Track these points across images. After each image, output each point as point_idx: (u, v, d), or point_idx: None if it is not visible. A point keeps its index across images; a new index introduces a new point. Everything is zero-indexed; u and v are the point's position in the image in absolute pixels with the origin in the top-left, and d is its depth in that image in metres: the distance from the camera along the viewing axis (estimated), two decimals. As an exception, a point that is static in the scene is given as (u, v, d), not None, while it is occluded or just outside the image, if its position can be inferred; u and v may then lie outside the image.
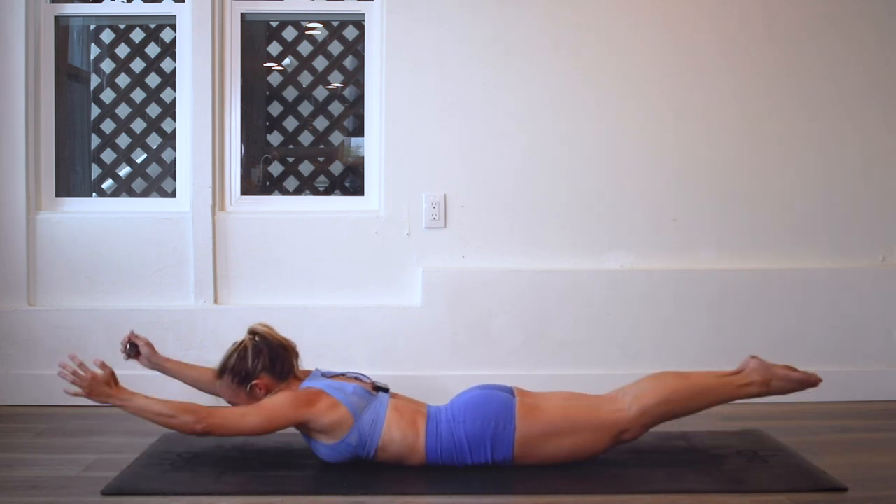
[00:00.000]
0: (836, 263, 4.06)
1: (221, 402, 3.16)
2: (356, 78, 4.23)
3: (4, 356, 3.90)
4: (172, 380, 3.34)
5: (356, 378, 3.09)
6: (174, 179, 4.09)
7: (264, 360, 3.02)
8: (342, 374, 3.10)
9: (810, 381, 3.09)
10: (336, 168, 4.30)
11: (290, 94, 4.26)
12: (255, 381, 3.01)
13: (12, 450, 3.28)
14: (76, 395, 2.95)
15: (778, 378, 3.07)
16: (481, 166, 4.00)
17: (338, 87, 4.29)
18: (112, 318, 3.91)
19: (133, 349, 3.29)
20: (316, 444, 2.98)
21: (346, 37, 4.23)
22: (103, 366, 2.98)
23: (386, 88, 3.97)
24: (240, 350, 3.04)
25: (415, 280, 3.99)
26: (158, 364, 3.29)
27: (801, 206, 4.06)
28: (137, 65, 4.19)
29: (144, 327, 3.87)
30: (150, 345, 3.30)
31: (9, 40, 3.90)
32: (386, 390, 3.07)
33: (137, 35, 4.20)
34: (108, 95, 4.22)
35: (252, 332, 3.08)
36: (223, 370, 3.05)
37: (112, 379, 2.95)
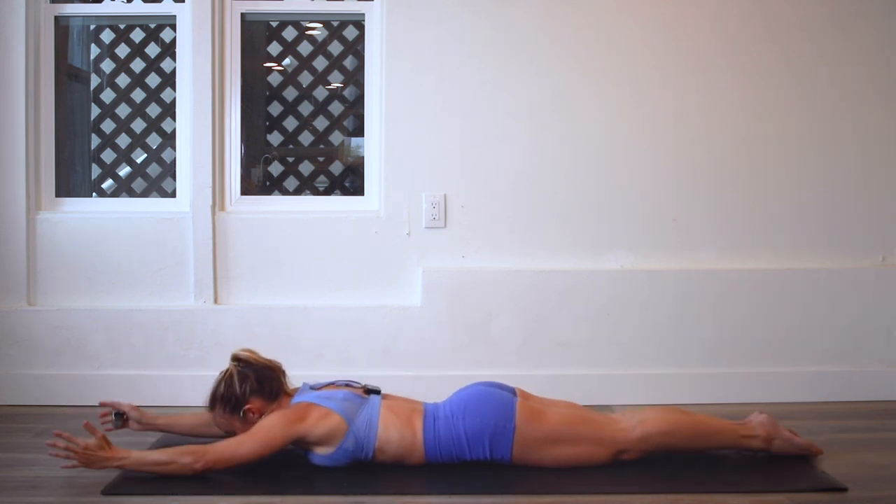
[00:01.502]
0: (836, 263, 4.06)
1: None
2: (356, 78, 4.23)
3: (4, 356, 3.90)
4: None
5: (346, 385, 3.09)
6: (174, 179, 4.09)
7: (251, 383, 3.01)
8: (331, 384, 3.10)
9: (811, 450, 3.13)
10: (336, 168, 4.30)
11: (290, 94, 4.26)
12: (246, 406, 3.00)
13: (12, 450, 3.28)
14: (73, 467, 2.82)
15: (782, 439, 3.10)
16: (481, 166, 4.00)
17: (338, 87, 4.29)
18: (112, 318, 3.91)
19: (120, 418, 3.20)
20: (315, 457, 2.98)
21: (346, 37, 4.23)
22: (93, 430, 2.86)
23: (386, 88, 3.97)
24: (226, 378, 3.03)
25: (415, 280, 3.99)
26: (150, 424, 3.22)
27: (801, 206, 4.05)
28: (137, 65, 4.19)
29: (144, 327, 3.89)
30: (136, 408, 3.22)
31: (9, 40, 3.90)
32: (378, 392, 3.07)
33: (137, 35, 4.20)
34: (108, 95, 4.22)
35: (235, 359, 3.08)
36: (214, 401, 3.04)
37: (105, 442, 2.84)
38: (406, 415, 2.98)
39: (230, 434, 3.04)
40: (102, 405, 3.23)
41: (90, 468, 2.83)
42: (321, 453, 2.96)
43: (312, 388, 3.09)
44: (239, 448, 2.89)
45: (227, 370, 3.06)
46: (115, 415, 3.20)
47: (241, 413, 3.01)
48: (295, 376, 3.14)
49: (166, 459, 2.86)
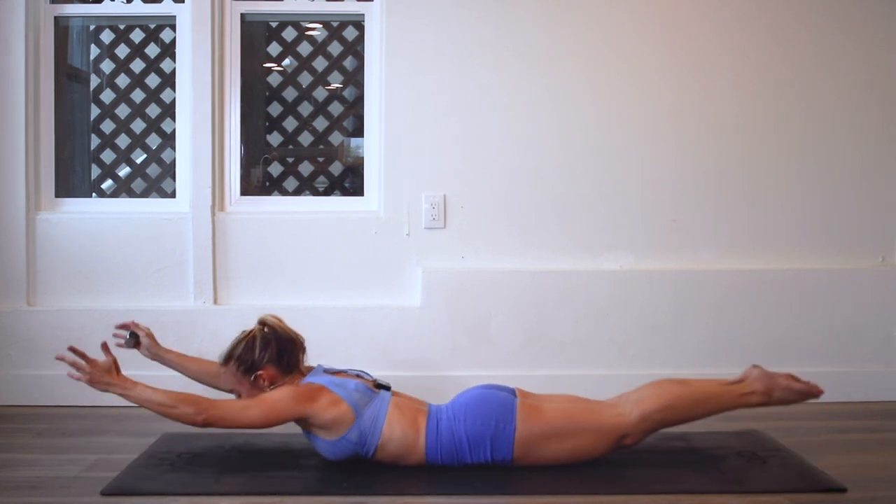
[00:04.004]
0: (836, 263, 4.06)
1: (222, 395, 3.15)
2: (356, 78, 4.23)
3: (4, 356, 3.90)
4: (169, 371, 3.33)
5: (358, 375, 3.09)
6: (174, 180, 4.09)
7: (271, 352, 3.02)
8: (344, 371, 3.10)
9: (812, 392, 3.08)
10: (336, 168, 4.30)
11: (290, 94, 4.26)
12: (259, 372, 3.01)
13: (12, 450, 3.28)
14: (77, 379, 2.90)
15: (780, 388, 3.05)
16: (481, 166, 4.00)
17: (337, 87, 4.29)
18: (112, 319, 3.87)
19: (133, 339, 3.25)
20: (316, 440, 2.98)
21: (346, 37, 4.23)
22: (107, 352, 2.94)
23: (386, 89, 3.97)
24: (248, 339, 3.04)
25: (414, 280, 3.99)
26: (159, 355, 3.27)
27: (802, 207, 4.06)
28: (137, 65, 4.19)
29: (144, 327, 3.88)
30: (151, 335, 3.27)
31: (9, 40, 3.90)
32: (388, 388, 3.07)
33: (137, 35, 4.19)
34: (107, 96, 4.22)
35: (262, 323, 3.08)
36: (229, 358, 3.05)
37: (114, 367, 2.91)
38: (412, 414, 2.98)
39: (235, 392, 3.06)
40: (121, 326, 3.29)
41: (92, 386, 2.89)
42: (323, 438, 2.95)
43: (326, 371, 3.09)
44: (244, 412, 2.89)
45: (251, 332, 3.06)
46: (130, 334, 3.24)
47: (253, 377, 3.01)
48: (295, 376, 3.14)
49: (170, 403, 2.86)
